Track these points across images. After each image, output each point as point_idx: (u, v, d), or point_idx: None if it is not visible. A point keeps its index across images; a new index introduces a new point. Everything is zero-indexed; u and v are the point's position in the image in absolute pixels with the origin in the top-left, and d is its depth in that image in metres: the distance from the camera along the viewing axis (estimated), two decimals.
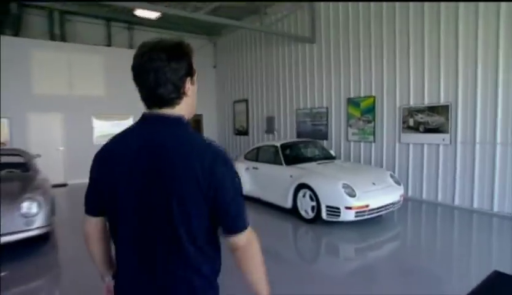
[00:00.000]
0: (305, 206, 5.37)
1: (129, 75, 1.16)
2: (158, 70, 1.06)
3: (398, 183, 5.51)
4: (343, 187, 4.85)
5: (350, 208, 4.74)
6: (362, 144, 7.75)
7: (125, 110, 10.26)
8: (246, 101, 11.97)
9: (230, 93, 12.95)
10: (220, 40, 13.36)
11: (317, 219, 5.13)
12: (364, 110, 7.62)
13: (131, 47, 11.74)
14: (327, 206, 4.94)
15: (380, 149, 7.35)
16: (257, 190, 6.59)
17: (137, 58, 1.09)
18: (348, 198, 4.75)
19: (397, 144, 7.00)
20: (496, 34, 5.48)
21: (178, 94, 1.11)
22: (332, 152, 6.87)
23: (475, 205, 5.87)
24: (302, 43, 9.24)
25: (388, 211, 5.19)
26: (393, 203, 5.21)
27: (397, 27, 6.85)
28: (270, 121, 10.70)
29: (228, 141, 12.92)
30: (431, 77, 6.33)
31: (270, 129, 10.70)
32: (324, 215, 5.00)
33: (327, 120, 8.63)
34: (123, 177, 1.08)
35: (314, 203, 5.15)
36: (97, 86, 10.56)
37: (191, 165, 1.03)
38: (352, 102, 7.89)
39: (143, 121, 1.14)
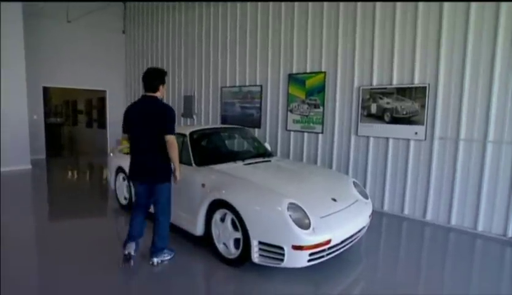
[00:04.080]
0: (224, 237, 3.21)
1: None
2: (156, 79, 3.09)
3: (365, 195, 3.66)
4: (289, 209, 2.80)
5: (300, 248, 2.71)
6: (306, 136, 5.87)
7: None
8: None
9: (141, 65, 10.16)
10: None
11: (244, 259, 3.03)
12: (310, 91, 5.72)
13: None
14: (261, 243, 2.86)
15: (330, 142, 5.53)
16: None
17: (147, 72, 3.12)
18: (298, 230, 2.70)
19: (353, 137, 5.24)
20: None
21: (158, 88, 3.09)
22: (267, 146, 4.81)
23: (453, 222, 4.37)
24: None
25: (354, 242, 3.32)
26: (361, 230, 3.36)
27: None
28: (188, 102, 8.30)
29: None
30: (403, 48, 4.63)
31: (188, 112, 8.30)
32: (255, 256, 2.90)
33: (261, 102, 6.57)
34: (137, 119, 3.05)
35: (239, 235, 3.02)
36: None
37: (162, 114, 3.02)
38: (295, 79, 5.93)
39: (145, 97, 3.11)
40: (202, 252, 3.48)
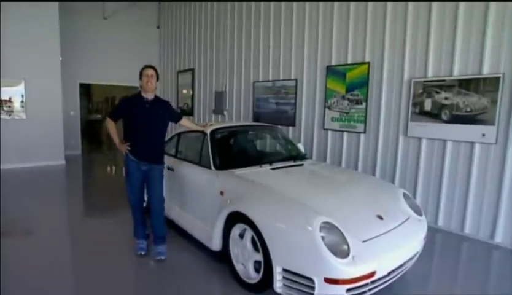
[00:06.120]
0: (242, 257, 2.70)
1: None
2: None
3: (418, 211, 2.97)
4: (322, 229, 2.22)
5: (336, 282, 2.12)
6: (346, 136, 5.18)
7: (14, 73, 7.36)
8: (192, 70, 9.05)
9: (174, 60, 9.96)
10: None
11: (265, 286, 2.49)
12: (351, 85, 5.03)
13: None
14: (286, 271, 2.30)
15: (374, 144, 4.81)
16: (171, 208, 3.84)
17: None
18: (332, 258, 2.11)
19: (401, 138, 4.49)
20: None
21: None
22: (300, 147, 4.22)
23: None
24: None
25: (403, 272, 2.65)
26: (413, 257, 2.69)
27: None
28: (219, 97, 7.89)
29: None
30: (470, 30, 3.81)
31: (219, 108, 7.90)
32: (278, 286, 2.35)
33: (295, 98, 5.97)
34: None
35: (260, 257, 2.49)
36: None
37: None
38: (334, 72, 5.26)
39: None
40: (219, 270, 3.00)
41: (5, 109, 7.47)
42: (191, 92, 9.17)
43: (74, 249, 3.60)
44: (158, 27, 10.81)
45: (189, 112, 9.25)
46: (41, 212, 4.64)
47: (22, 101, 7.61)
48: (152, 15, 10.72)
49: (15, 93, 7.56)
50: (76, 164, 8.45)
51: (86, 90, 14.90)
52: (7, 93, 7.49)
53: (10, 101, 7.56)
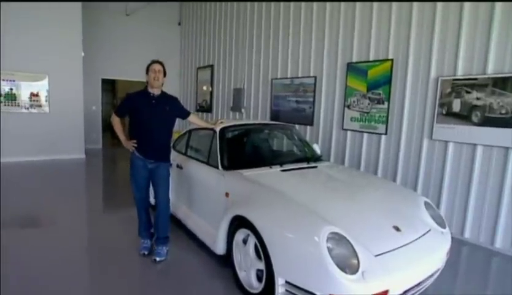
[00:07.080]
0: (245, 265, 2.53)
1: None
2: None
3: (441, 223, 2.69)
4: (330, 240, 2.01)
5: None
6: (365, 137, 4.89)
7: (39, 68, 7.51)
8: (211, 67, 8.96)
9: (195, 56, 9.92)
10: None
11: None
12: (373, 83, 4.73)
13: None
14: (289, 284, 2.11)
15: (396, 147, 4.50)
16: (178, 206, 3.74)
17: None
18: (339, 274, 1.90)
19: (426, 141, 4.16)
20: None
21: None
22: (316, 148, 3.99)
23: None
24: None
25: (422, 290, 2.39)
26: (434, 274, 2.42)
27: None
28: (237, 95, 7.75)
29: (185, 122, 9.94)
30: (507, 23, 3.45)
31: (237, 106, 7.76)
32: None
33: (314, 96, 5.72)
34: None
35: (262, 265, 2.31)
36: None
37: None
38: (355, 69, 4.98)
39: None
40: (223, 275, 2.85)
41: (32, 102, 7.69)
42: (210, 88, 9.09)
43: (80, 245, 3.55)
44: (179, 24, 10.81)
45: (207, 109, 9.18)
46: (56, 207, 4.67)
47: (47, 96, 7.80)
48: (174, 11, 10.73)
49: (41, 88, 7.76)
50: (95, 158, 8.57)
51: (111, 86, 15.18)
52: (34, 87, 7.70)
53: (37, 95, 7.77)
